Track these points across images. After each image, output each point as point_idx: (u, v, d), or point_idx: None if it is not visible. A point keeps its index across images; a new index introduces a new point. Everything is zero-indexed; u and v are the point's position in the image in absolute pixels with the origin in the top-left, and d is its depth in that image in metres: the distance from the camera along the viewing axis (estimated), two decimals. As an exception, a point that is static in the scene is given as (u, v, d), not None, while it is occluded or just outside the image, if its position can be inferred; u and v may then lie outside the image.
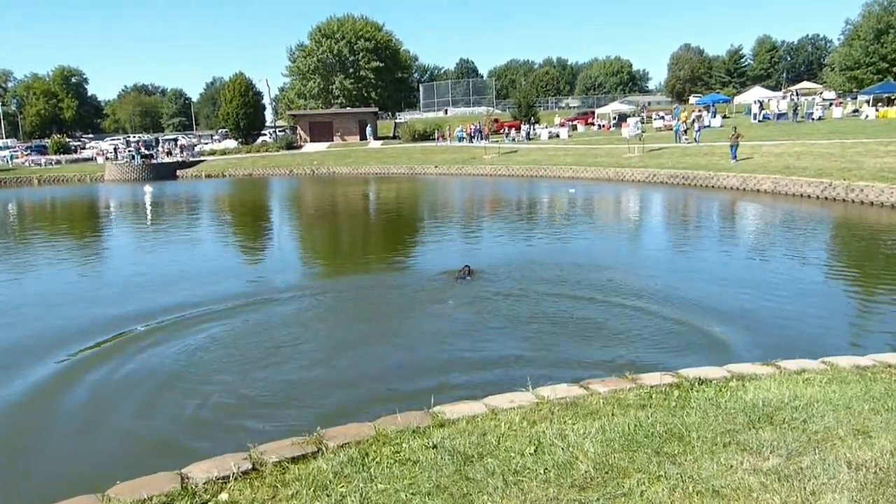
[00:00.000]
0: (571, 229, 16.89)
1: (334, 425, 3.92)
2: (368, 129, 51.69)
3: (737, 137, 26.07)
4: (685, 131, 34.60)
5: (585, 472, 3.23)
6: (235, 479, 3.29)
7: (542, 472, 3.24)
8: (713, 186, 24.61)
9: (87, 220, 24.08)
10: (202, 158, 50.03)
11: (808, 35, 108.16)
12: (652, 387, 4.39)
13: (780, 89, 63.52)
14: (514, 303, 9.29)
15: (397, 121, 66.63)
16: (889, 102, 42.54)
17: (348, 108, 62.95)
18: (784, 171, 23.09)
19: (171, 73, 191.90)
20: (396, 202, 27.06)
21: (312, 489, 3.17)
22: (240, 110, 54.59)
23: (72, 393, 6.49)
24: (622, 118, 46.99)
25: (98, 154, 55.52)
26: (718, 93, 67.52)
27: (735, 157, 25.88)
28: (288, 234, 18.62)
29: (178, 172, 45.41)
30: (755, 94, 49.27)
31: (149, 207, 27.77)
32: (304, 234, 18.83)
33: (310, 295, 10.21)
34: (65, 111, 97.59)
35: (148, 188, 33.38)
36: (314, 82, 69.40)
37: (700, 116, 33.17)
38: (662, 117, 46.19)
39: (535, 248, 13.87)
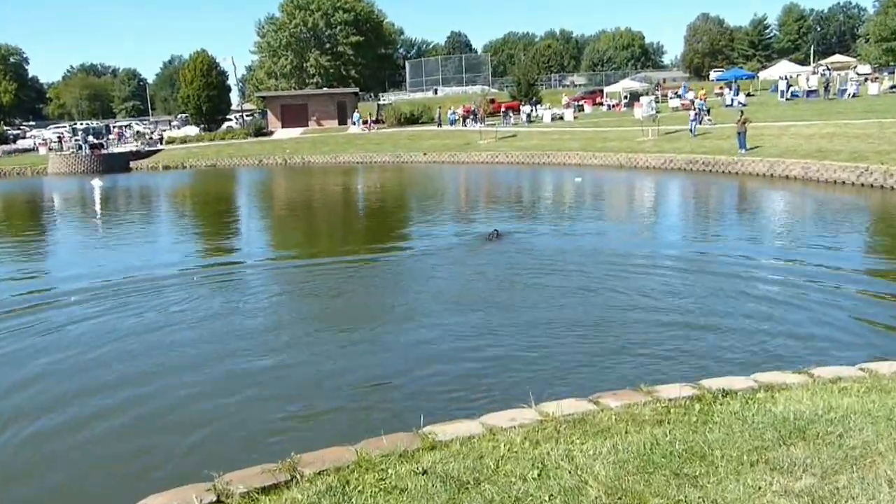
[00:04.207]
0: (578, 224, 16.94)
1: (310, 449, 3.90)
2: (356, 115, 51.47)
3: (744, 123, 25.54)
4: (707, 111, 34.72)
5: (596, 497, 3.22)
6: (198, 513, 3.26)
7: (546, 498, 3.24)
8: (737, 173, 24.77)
9: (23, 220, 23.89)
10: (159, 147, 49.79)
11: (839, 2, 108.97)
12: (670, 400, 4.38)
13: (810, 63, 64.02)
14: (512, 305, 9.31)
15: (381, 102, 66.55)
16: (931, 77, 42.94)
17: (325, 89, 62.88)
18: (815, 155, 23.27)
19: (124, 52, 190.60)
20: (380, 196, 27.08)
21: (286, 523, 3.15)
22: (202, 93, 54.39)
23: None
24: (634, 97, 47.18)
25: (40, 144, 55.15)
26: (741, 68, 68.02)
27: (744, 145, 25.50)
28: (256, 235, 18.54)
29: (132, 164, 45.18)
30: (782, 69, 49.69)
31: (97, 203, 27.59)
32: (275, 235, 18.80)
33: (280, 300, 10.19)
34: (1, 95, 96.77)
35: (97, 182, 33.19)
36: (286, 60, 69.29)
37: (700, 110, 32.86)
38: (679, 95, 46.44)
39: (537, 244, 13.93)
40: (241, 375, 7.20)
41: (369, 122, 50.74)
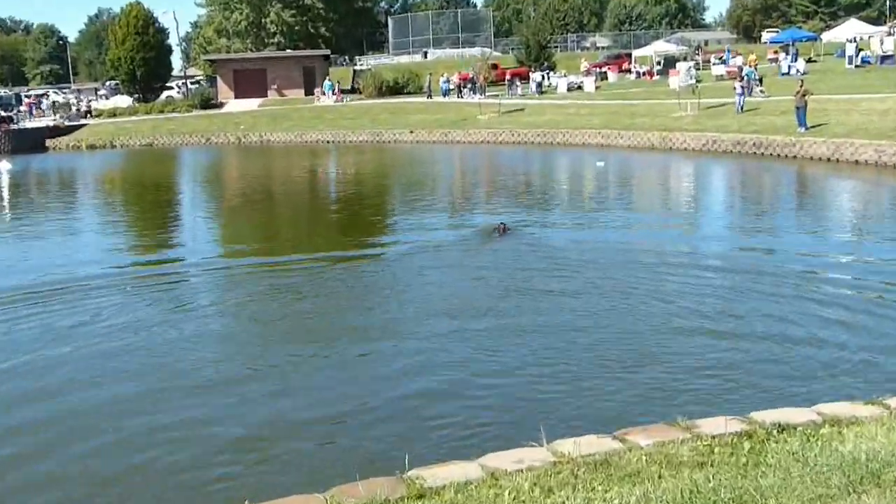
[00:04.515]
0: (601, 218, 16.98)
1: (269, 497, 3.89)
2: (327, 83, 51.40)
3: (803, 95, 25.71)
4: (759, 81, 34.84)
5: (622, 559, 3.21)
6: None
7: (561, 560, 3.22)
8: (795, 157, 24.87)
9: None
10: (83, 122, 49.55)
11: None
12: (714, 437, 4.38)
13: (885, 22, 64.36)
14: (520, 318, 9.32)
15: (357, 68, 66.52)
16: None
17: (288, 51, 62.80)
18: (891, 136, 23.39)
19: (39, 3, 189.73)
20: (356, 183, 27.12)
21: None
22: (136, 54, 54.27)
23: None
24: (669, 63, 47.34)
25: (-67, 117, 54.80)
26: (800, 28, 68.34)
27: (804, 123, 25.72)
28: (203, 231, 18.50)
29: (49, 142, 44.99)
30: (850, 29, 49.86)
31: (4, 191, 27.45)
32: (226, 231, 18.78)
33: (233, 312, 10.21)
34: None
35: (4, 164, 33.02)
36: (241, 14, 69.10)
37: (750, 80, 32.88)
38: (724, 61, 46.63)
39: (551, 241, 13.97)
40: (185, 407, 7.16)
41: (336, 90, 50.60)
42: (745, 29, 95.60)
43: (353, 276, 12.21)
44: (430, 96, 48.15)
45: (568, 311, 9.60)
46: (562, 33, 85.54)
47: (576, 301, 9.99)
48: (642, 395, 6.96)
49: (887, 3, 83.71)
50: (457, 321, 9.29)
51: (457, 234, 15.08)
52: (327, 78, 54.32)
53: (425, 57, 70.89)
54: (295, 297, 10.79)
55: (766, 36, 71.93)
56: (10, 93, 64.99)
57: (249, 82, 55.55)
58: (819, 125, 25.93)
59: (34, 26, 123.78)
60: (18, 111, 52.06)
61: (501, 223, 14.52)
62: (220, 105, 53.71)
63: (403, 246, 14.32)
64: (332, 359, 8.35)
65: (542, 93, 46.19)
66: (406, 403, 7.10)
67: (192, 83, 63.95)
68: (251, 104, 52.32)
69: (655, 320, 9.10)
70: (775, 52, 48.48)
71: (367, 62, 71.28)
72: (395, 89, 52.24)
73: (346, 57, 75.30)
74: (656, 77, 47.00)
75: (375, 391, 7.40)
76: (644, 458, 4.13)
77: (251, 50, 67.01)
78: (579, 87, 46.41)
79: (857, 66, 40.62)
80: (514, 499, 3.74)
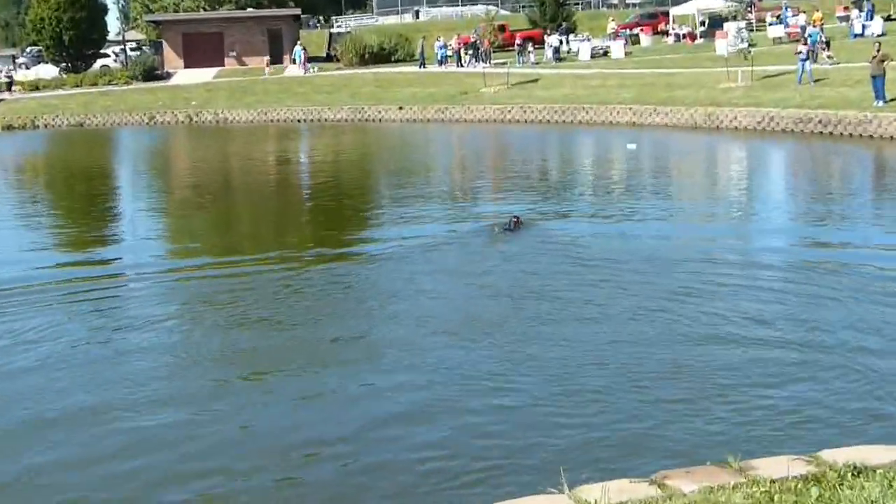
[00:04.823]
0: (634, 212, 16.98)
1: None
2: (297, 50, 51.34)
3: (881, 61, 25.77)
4: (826, 44, 34.84)
5: None
6: None
7: None
8: (871, 136, 24.90)
9: None
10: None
11: None
12: (773, 481, 4.36)
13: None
14: (535, 335, 9.31)
15: (334, 31, 66.59)
16: None
17: (250, 10, 62.70)
18: None
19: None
20: (333, 172, 27.12)
21: None
22: (63, 14, 54.37)
23: None
24: (715, 23, 47.39)
25: None
26: (876, -21, 68.42)
27: (882, 95, 25.79)
28: (146, 231, 18.41)
29: (-44, 122, 45.02)
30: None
31: None
32: (175, 230, 18.83)
33: (180, 327, 10.24)
34: None
35: None
36: (191, -34, 69.13)
37: (815, 43, 32.79)
38: (782, 21, 46.64)
39: (573, 239, 14.02)
40: (121, 446, 7.12)
41: (303, 59, 50.43)
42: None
43: (328, 284, 12.12)
44: (423, 65, 48.22)
45: (594, 324, 9.58)
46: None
47: (604, 312, 9.97)
48: (685, 428, 6.93)
49: None
50: (457, 340, 9.25)
51: (457, 233, 15.11)
52: (298, 43, 54.36)
53: (417, 17, 70.95)
54: (255, 311, 10.74)
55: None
56: None
57: (202, 48, 55.70)
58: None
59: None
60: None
61: (514, 216, 14.69)
62: (167, 76, 53.78)
63: (391, 246, 14.29)
64: (302, 390, 8.24)
65: (559, 60, 46.29)
66: (395, 443, 7.04)
67: (132, 49, 64.02)
68: (204, 75, 52.39)
69: (701, 332, 9.11)
70: (846, 9, 48.56)
71: (345, 24, 71.36)
72: (381, 57, 52.33)
73: (321, 18, 75.37)
74: (699, 40, 47.10)
75: (356, 430, 7.31)
76: (688, 507, 4.12)
77: (204, 9, 66.94)
78: (605, 54, 46.52)
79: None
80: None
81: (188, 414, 7.72)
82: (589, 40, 48.97)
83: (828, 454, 4.75)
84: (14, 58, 69.53)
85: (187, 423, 7.52)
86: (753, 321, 9.54)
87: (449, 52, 48.75)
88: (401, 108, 39.85)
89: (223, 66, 55.27)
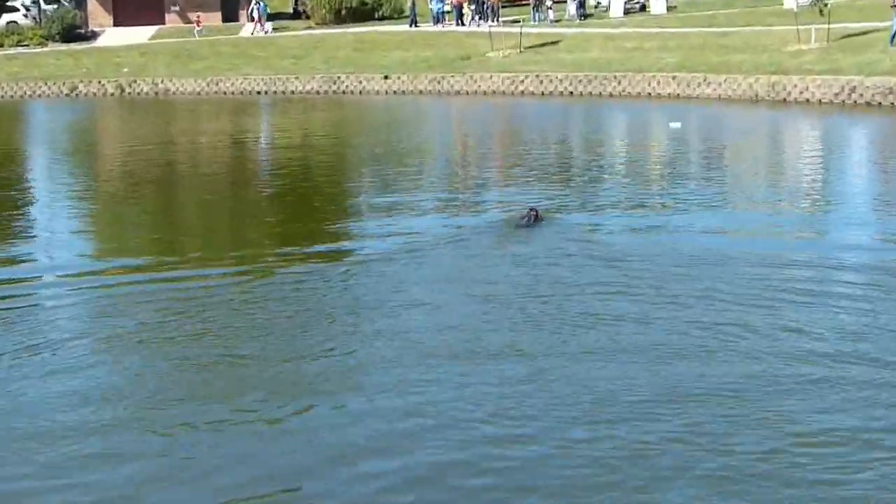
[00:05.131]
0: (679, 203, 17.08)
1: None
2: (258, 4, 51.17)
3: None
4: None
5: None
6: None
7: None
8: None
9: None
10: None
11: None
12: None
13: None
14: (557, 357, 9.29)
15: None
16: None
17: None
18: None
19: None
20: (303, 156, 27.19)
21: None
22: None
23: None
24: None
25: None
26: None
27: None
28: (67, 229, 18.48)
29: None
30: None
31: None
32: (103, 229, 18.93)
33: (111, 345, 10.18)
34: None
35: None
36: None
37: None
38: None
39: (603, 236, 14.29)
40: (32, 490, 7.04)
41: (259, 18, 50.32)
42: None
43: (296, 294, 12.13)
44: (414, 23, 48.32)
45: (630, 346, 9.55)
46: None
47: (641, 328, 9.99)
48: (745, 482, 6.78)
49: None
50: (457, 366, 9.22)
51: (456, 231, 15.18)
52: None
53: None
54: (201, 326, 10.77)
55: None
56: None
57: (136, 2, 55.87)
58: None
59: None
60: None
61: (532, 209, 15.01)
62: (92, 36, 53.90)
63: (372, 248, 14.45)
64: (267, 415, 8.28)
65: (585, 17, 46.37)
66: (373, 480, 7.05)
67: (46, 2, 63.68)
68: (140, 35, 52.70)
69: (765, 355, 9.07)
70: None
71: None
72: (362, 13, 52.42)
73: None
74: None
75: (331, 474, 7.31)
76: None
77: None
78: (643, 8, 46.55)
79: None
80: None
81: (126, 442, 7.73)
82: (620, -8, 48.87)
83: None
84: None
85: (126, 454, 7.50)
86: (829, 342, 9.49)
87: (447, 7, 48.71)
88: (386, 77, 39.97)
89: (163, 24, 55.35)
